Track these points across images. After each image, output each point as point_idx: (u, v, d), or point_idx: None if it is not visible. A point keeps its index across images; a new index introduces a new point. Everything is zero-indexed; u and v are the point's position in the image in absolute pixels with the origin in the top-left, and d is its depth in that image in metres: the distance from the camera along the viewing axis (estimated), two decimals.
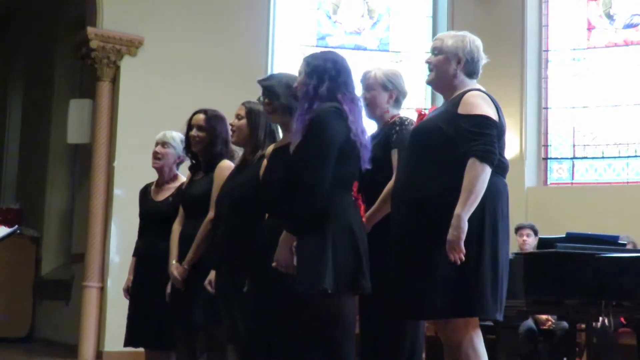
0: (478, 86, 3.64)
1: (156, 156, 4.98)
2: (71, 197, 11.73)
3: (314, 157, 3.45)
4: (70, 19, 11.17)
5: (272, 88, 3.89)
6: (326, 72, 3.60)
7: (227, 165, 4.52)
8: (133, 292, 4.96)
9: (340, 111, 3.52)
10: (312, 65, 3.63)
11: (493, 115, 3.47)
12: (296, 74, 4.01)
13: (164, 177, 5.02)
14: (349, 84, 3.65)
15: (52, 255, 11.92)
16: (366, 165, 3.62)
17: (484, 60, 3.67)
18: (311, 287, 3.38)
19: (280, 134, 4.18)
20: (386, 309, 3.61)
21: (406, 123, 3.99)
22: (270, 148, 4.03)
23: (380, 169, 3.79)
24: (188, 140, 4.74)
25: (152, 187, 5.08)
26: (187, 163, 4.91)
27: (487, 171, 3.36)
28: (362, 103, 3.80)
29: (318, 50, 3.85)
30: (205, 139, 4.66)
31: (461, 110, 3.48)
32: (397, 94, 4.11)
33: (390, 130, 3.98)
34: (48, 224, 11.95)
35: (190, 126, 4.72)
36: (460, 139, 3.42)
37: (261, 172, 4.04)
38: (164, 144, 4.97)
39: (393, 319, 3.72)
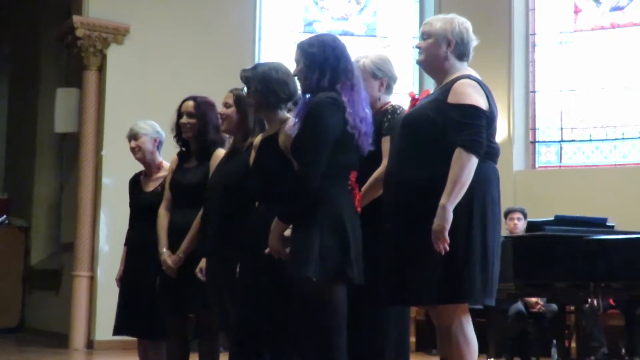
0: (469, 71, 3.63)
1: (133, 151, 4.98)
2: (59, 186, 11.70)
3: (308, 148, 3.45)
4: (56, 8, 11.11)
5: (249, 81, 3.88)
6: (327, 62, 3.57)
7: (222, 155, 4.51)
8: (124, 281, 4.96)
9: (337, 102, 3.51)
10: (310, 55, 3.59)
11: (483, 104, 3.46)
12: (283, 60, 4.01)
13: (150, 166, 5.02)
14: (348, 69, 3.62)
15: (41, 245, 11.89)
16: (369, 148, 3.61)
17: (474, 41, 3.66)
18: (296, 274, 3.40)
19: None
20: (376, 295, 3.61)
21: (398, 112, 3.98)
22: (258, 138, 4.02)
23: (373, 157, 3.79)
24: (178, 128, 4.71)
25: (141, 177, 5.07)
26: (170, 149, 4.89)
27: (474, 162, 3.36)
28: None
29: (306, 37, 3.81)
30: (196, 126, 4.64)
31: (451, 99, 3.47)
32: (387, 81, 4.10)
33: (382, 118, 3.97)
34: (36, 214, 11.91)
35: (180, 114, 4.70)
36: (449, 129, 3.42)
37: (251, 160, 4.03)
38: (134, 136, 4.98)
39: (382, 304, 3.72)
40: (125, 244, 5.07)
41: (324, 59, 3.57)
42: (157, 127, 5.02)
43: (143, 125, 5.00)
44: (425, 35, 3.66)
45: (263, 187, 3.78)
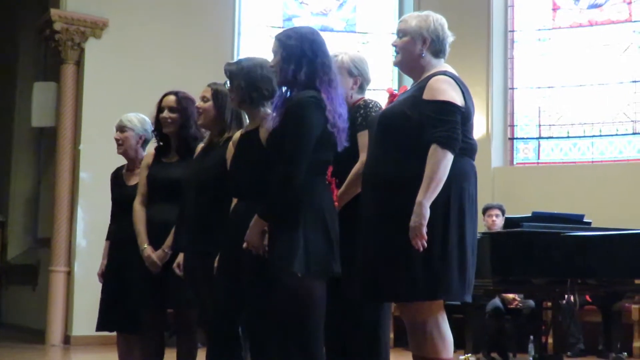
0: (445, 67, 3.64)
1: (117, 143, 4.95)
2: (36, 181, 11.63)
3: (292, 148, 3.44)
4: (34, 1, 11.03)
5: (233, 75, 3.87)
6: (304, 56, 3.56)
7: None
8: (107, 276, 4.91)
9: (319, 100, 3.51)
10: (287, 47, 3.58)
11: (458, 99, 3.47)
12: (263, 55, 3.99)
13: (132, 161, 4.98)
14: (326, 63, 3.61)
15: (18, 239, 11.82)
16: (344, 144, 3.61)
17: (450, 38, 3.67)
18: (282, 270, 3.39)
19: (247, 118, 4.16)
20: (354, 292, 3.62)
21: (371, 106, 4.00)
22: (237, 134, 4.01)
23: (349, 152, 3.79)
24: (158, 123, 4.68)
25: (124, 171, 5.03)
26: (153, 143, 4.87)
27: (449, 157, 3.37)
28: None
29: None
30: (178, 120, 4.61)
31: (426, 95, 3.48)
32: (361, 80, 4.10)
33: (355, 114, 3.97)
34: (13, 208, 11.84)
35: (160, 108, 4.67)
36: (424, 125, 3.42)
37: (227, 155, 4.02)
38: (121, 129, 4.93)
39: (361, 301, 3.73)
40: (107, 239, 5.03)
41: (301, 52, 3.56)
42: (147, 125, 4.93)
43: (132, 119, 4.94)
44: (400, 33, 3.66)
45: (244, 182, 3.77)
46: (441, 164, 3.35)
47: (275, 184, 3.45)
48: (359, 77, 4.08)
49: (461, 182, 3.46)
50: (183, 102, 4.62)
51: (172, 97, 4.66)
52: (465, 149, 3.47)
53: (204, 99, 4.32)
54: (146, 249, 4.52)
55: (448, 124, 3.39)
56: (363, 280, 3.53)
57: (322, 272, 3.46)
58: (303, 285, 3.42)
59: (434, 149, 3.36)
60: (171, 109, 4.62)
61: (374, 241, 3.48)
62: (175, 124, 4.62)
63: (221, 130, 4.28)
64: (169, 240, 4.47)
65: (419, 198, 3.33)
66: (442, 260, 3.37)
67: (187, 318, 4.51)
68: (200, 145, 4.52)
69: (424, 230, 3.31)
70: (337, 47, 4.26)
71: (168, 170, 4.62)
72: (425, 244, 3.32)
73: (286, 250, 3.40)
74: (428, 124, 3.40)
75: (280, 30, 3.93)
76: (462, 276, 3.43)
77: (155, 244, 4.51)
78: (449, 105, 3.42)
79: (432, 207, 3.34)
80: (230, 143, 4.03)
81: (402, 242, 3.35)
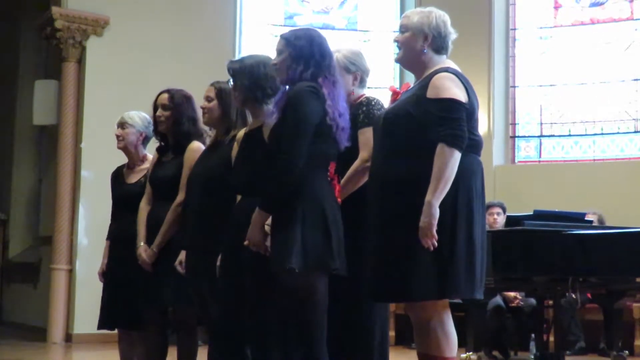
0: (448, 63, 3.63)
1: (117, 138, 4.96)
2: (38, 179, 11.62)
3: (288, 136, 3.45)
4: None
5: (237, 74, 3.87)
6: (312, 57, 3.58)
7: (196, 147, 4.50)
8: (108, 275, 4.92)
9: (317, 90, 3.51)
10: (297, 47, 3.59)
11: (462, 96, 3.46)
12: (265, 53, 3.99)
13: (132, 158, 4.99)
14: (331, 66, 3.64)
15: (19, 237, 11.82)
16: (345, 144, 3.61)
17: (452, 35, 3.66)
18: (279, 266, 3.39)
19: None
20: (362, 291, 3.61)
21: (373, 104, 3.99)
22: (241, 132, 4.01)
23: (351, 150, 3.79)
24: (156, 122, 4.70)
25: (124, 170, 5.05)
26: (156, 143, 4.88)
27: (456, 156, 3.37)
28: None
29: (286, 30, 3.80)
30: (170, 118, 4.63)
31: (429, 94, 3.47)
32: (361, 74, 4.09)
33: (357, 111, 3.97)
34: (15, 206, 11.84)
35: (155, 107, 4.69)
36: (429, 124, 3.42)
37: (233, 153, 4.02)
38: (122, 125, 4.95)
39: (367, 300, 3.72)
40: (108, 238, 5.04)
41: (310, 53, 3.58)
42: (148, 123, 4.95)
43: (134, 116, 4.97)
44: (403, 29, 3.66)
45: (247, 180, 3.77)
46: (449, 163, 3.34)
47: (273, 173, 3.45)
48: (357, 72, 4.08)
49: (468, 179, 3.45)
50: (175, 99, 4.65)
51: (165, 95, 4.69)
52: (471, 146, 3.47)
53: (208, 98, 4.32)
54: (140, 247, 4.55)
55: (453, 122, 3.38)
56: (371, 280, 3.52)
57: (321, 267, 3.45)
58: (302, 281, 3.41)
59: (441, 148, 3.35)
60: (164, 107, 4.65)
61: (381, 241, 3.48)
62: (168, 121, 4.64)
63: (227, 129, 4.29)
64: (157, 239, 4.50)
65: (428, 197, 3.32)
66: (450, 259, 3.37)
67: (187, 316, 4.51)
68: (195, 143, 4.52)
69: (434, 229, 3.31)
70: (338, 45, 4.25)
71: (162, 169, 4.65)
72: (436, 244, 3.32)
73: (284, 246, 3.40)
74: (433, 123, 3.40)
75: (282, 29, 3.93)
76: (472, 273, 3.43)
77: (151, 242, 4.54)
78: (453, 103, 3.42)
79: (440, 205, 3.34)
80: (235, 142, 4.04)
81: (410, 241, 3.35)
